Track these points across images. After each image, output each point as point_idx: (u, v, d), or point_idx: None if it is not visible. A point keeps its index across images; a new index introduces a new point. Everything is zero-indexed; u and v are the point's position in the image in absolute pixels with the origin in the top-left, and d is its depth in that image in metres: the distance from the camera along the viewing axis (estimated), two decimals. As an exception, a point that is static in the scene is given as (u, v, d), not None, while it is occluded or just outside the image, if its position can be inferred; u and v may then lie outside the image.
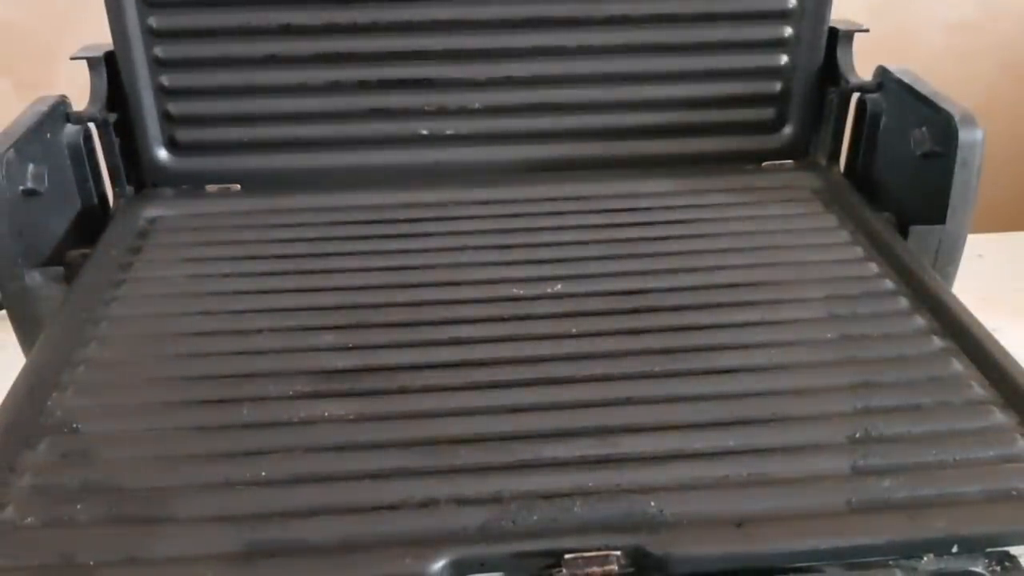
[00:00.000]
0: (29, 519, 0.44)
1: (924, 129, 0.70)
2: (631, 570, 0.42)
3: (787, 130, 0.84)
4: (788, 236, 0.70)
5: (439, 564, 0.41)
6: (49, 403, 0.52)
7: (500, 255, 0.68)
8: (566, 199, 0.76)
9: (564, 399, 0.52)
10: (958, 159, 0.65)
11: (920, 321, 0.59)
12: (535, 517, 0.44)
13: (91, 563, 0.42)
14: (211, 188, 0.80)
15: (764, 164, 0.84)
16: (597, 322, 0.59)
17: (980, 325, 0.57)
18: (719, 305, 0.61)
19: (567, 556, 0.41)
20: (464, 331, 0.58)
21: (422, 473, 0.46)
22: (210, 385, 0.54)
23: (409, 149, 0.81)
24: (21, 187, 0.65)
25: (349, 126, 0.80)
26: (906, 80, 0.74)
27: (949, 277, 0.70)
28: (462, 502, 0.45)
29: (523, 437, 0.49)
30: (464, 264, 0.67)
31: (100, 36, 0.77)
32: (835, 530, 0.43)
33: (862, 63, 0.81)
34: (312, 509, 0.44)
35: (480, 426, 0.50)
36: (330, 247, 0.70)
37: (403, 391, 0.53)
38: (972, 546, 0.42)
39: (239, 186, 0.80)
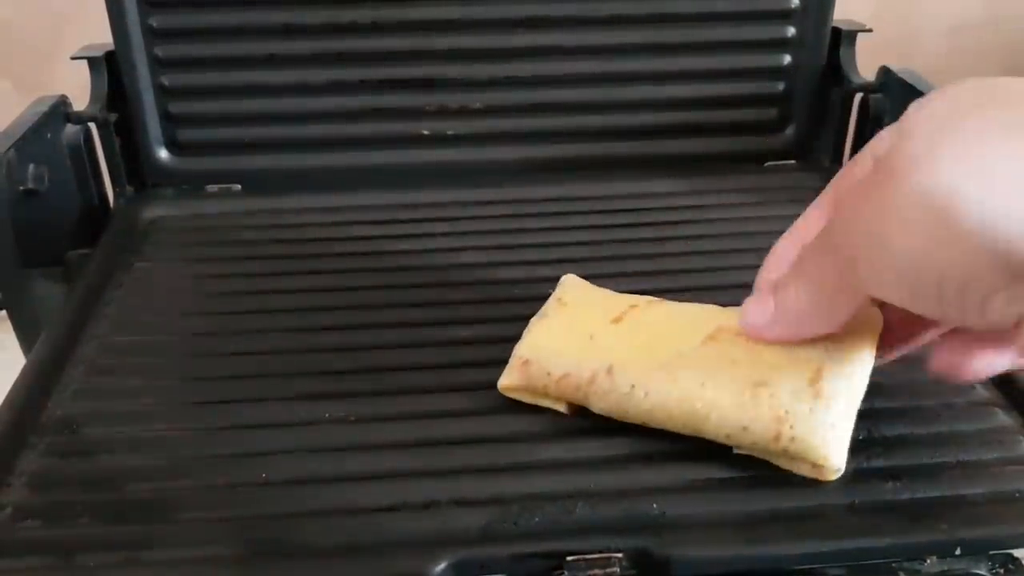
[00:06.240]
0: (29, 519, 0.44)
1: (926, 129, 0.69)
2: (633, 572, 0.41)
3: (790, 130, 0.83)
4: (790, 237, 0.70)
5: (440, 566, 0.41)
6: (49, 403, 0.52)
7: (500, 255, 0.68)
8: (567, 199, 0.76)
9: (565, 400, 0.52)
10: (960, 159, 0.65)
11: (922, 322, 0.59)
12: (536, 519, 0.43)
13: (91, 563, 0.42)
14: (211, 188, 0.80)
15: (767, 164, 0.83)
16: (598, 323, 0.59)
17: (982, 326, 0.57)
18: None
19: (569, 558, 0.41)
20: (464, 332, 0.58)
21: (422, 474, 0.46)
22: (210, 386, 0.54)
23: (410, 149, 0.81)
24: (21, 187, 0.65)
25: (349, 126, 0.80)
26: (909, 81, 0.74)
27: (951, 278, 0.70)
28: (463, 503, 0.44)
29: (523, 438, 0.49)
30: (464, 264, 0.67)
31: (100, 36, 0.77)
32: (837, 532, 0.43)
33: (865, 63, 0.81)
34: (312, 510, 0.44)
35: (480, 427, 0.49)
36: (330, 247, 0.70)
37: (403, 392, 0.53)
38: (975, 549, 0.42)
39: (239, 186, 0.80)
